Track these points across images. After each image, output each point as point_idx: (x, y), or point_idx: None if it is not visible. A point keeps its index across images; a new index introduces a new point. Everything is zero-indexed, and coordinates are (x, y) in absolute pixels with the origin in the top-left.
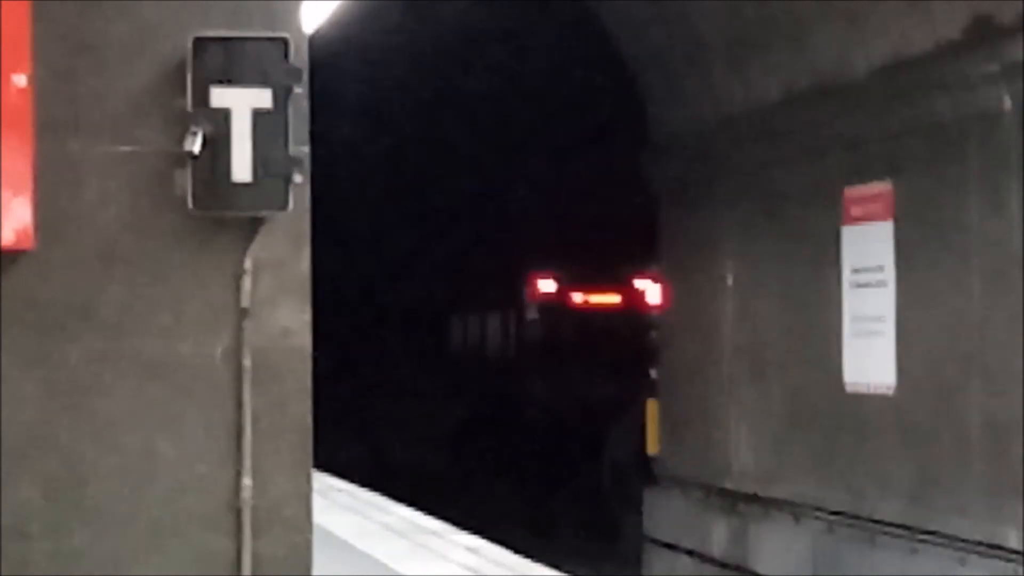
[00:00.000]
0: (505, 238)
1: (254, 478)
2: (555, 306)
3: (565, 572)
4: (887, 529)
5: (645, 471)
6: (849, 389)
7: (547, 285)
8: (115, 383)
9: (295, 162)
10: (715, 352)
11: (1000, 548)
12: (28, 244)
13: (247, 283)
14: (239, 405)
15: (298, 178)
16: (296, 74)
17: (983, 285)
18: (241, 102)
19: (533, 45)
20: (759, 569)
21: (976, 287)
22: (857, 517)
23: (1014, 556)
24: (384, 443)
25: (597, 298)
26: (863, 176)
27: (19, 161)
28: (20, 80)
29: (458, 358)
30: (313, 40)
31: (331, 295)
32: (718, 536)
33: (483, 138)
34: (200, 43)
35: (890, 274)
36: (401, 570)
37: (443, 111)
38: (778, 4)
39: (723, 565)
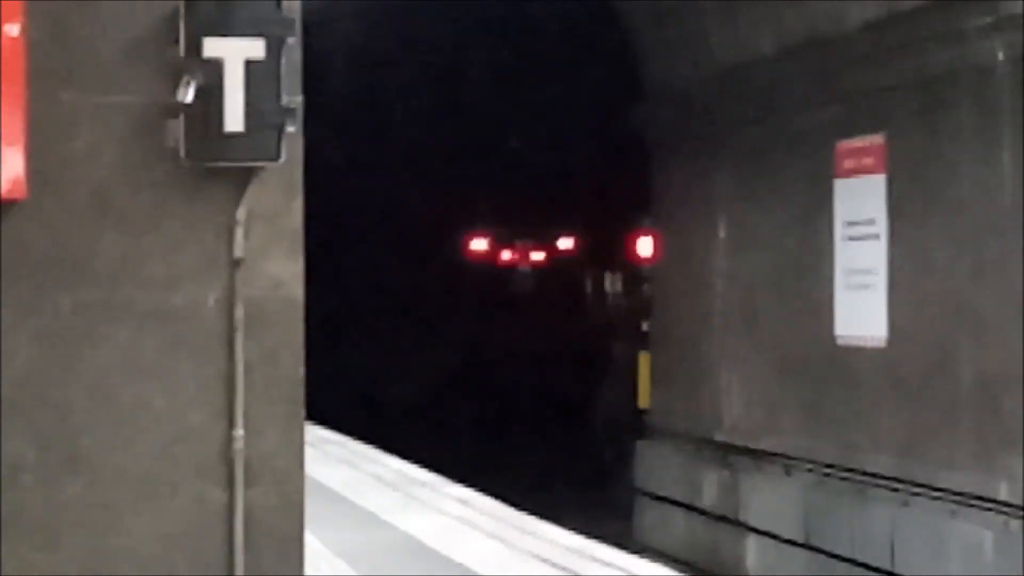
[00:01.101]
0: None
1: (246, 429)
2: None
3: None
4: (878, 482)
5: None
6: (840, 342)
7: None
8: (108, 334)
9: (288, 113)
10: (707, 305)
11: (991, 500)
12: (20, 194)
13: (239, 234)
14: (231, 356)
15: (291, 129)
16: (289, 24)
17: (975, 238)
18: (234, 52)
19: (526, 3)
20: (750, 521)
21: (968, 240)
22: (848, 469)
23: (1004, 508)
24: None
25: None
26: (856, 129)
27: (11, 111)
28: (12, 30)
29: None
30: None
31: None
32: (709, 489)
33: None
34: None
35: (882, 227)
36: (393, 521)
37: (435, 71)
38: None
39: (714, 517)
